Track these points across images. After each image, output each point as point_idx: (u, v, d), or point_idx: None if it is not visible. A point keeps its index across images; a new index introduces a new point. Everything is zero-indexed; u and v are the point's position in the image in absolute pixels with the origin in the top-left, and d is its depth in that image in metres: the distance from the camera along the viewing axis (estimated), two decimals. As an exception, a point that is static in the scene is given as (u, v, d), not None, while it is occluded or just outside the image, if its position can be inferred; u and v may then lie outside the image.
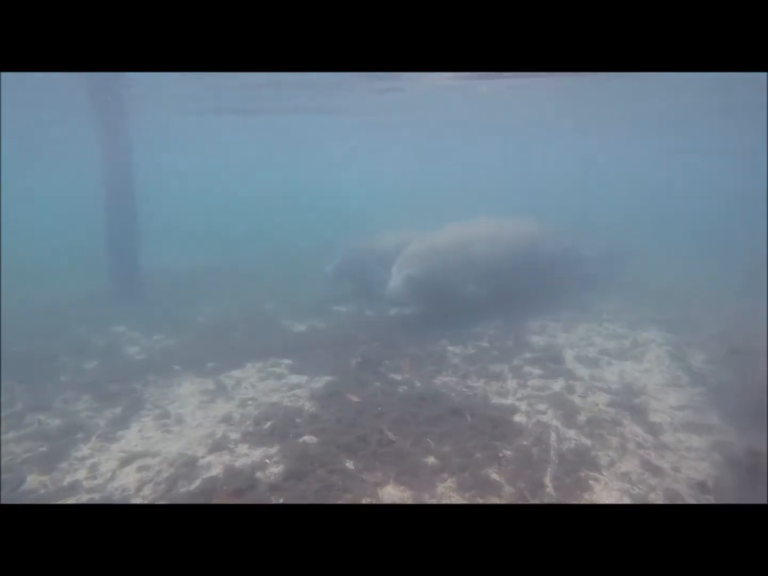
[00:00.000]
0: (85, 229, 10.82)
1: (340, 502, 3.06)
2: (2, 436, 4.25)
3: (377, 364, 5.43)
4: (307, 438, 3.79)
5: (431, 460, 3.54)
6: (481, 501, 3.09)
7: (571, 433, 3.93)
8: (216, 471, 3.42)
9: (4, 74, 7.76)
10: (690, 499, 3.08)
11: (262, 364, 5.56)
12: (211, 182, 34.71)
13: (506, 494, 3.15)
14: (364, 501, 3.08)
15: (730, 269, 9.63)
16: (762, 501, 2.78)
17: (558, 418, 4.17)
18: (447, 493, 3.17)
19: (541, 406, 4.40)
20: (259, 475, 3.34)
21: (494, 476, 3.33)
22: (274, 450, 3.66)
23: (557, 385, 4.87)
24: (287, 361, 5.62)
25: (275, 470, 3.38)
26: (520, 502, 3.07)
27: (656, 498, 3.10)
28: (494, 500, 3.10)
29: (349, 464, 3.46)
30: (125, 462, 3.62)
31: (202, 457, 3.62)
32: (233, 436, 3.92)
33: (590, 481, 3.26)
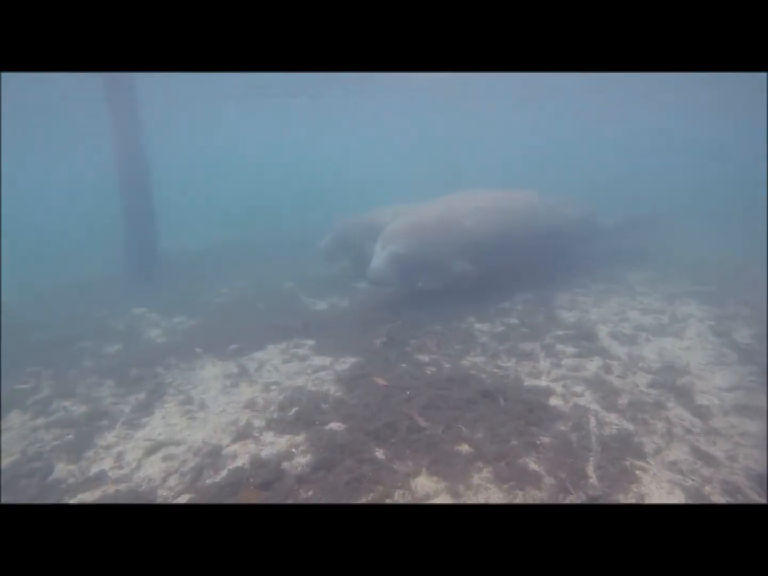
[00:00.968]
0: (103, 210, 10.77)
1: (370, 495, 2.93)
2: (31, 423, 4.25)
3: (402, 343, 5.25)
4: (334, 425, 3.66)
5: (465, 447, 3.37)
6: (520, 493, 2.92)
7: (612, 417, 3.70)
8: (242, 461, 3.31)
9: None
10: (751, 493, 2.86)
11: (285, 345, 5.43)
12: (225, 162, 34.55)
13: (546, 485, 2.97)
14: (397, 493, 2.94)
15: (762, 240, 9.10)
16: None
17: (596, 401, 3.95)
18: (483, 484, 3.01)
19: (578, 388, 4.17)
20: (285, 465, 3.22)
21: (533, 465, 3.15)
22: (300, 438, 3.54)
23: (593, 365, 4.62)
24: (310, 342, 5.49)
25: (302, 460, 3.26)
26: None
27: (712, 491, 2.88)
28: (534, 492, 2.92)
29: (379, 453, 3.32)
30: (150, 451, 3.55)
31: (227, 446, 3.53)
32: (258, 423, 3.81)
33: (637, 472, 3.05)
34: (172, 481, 3.21)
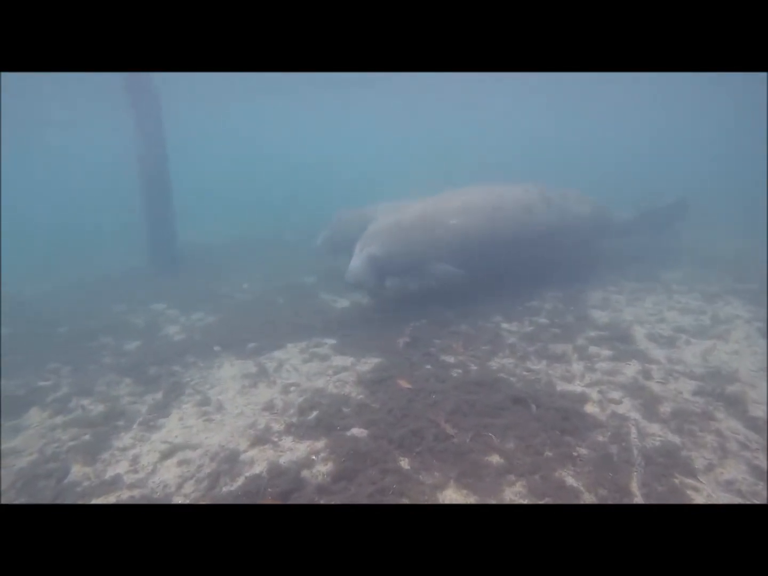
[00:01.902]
0: (125, 205, 10.82)
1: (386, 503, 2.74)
2: (50, 421, 4.20)
3: (427, 343, 5.04)
4: (356, 431, 3.47)
5: (495, 458, 3.15)
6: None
7: (655, 427, 3.43)
8: (259, 468, 3.16)
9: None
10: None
11: (305, 344, 5.28)
12: (243, 157, 34.74)
13: (586, 502, 2.73)
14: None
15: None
16: None
17: (636, 408, 3.67)
18: (516, 499, 2.79)
19: (615, 394, 3.90)
20: (305, 474, 3.05)
21: (570, 480, 2.91)
22: (320, 444, 3.36)
23: (630, 369, 4.33)
24: (331, 341, 5.32)
25: (323, 469, 3.09)
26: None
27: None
28: (573, 510, 2.69)
29: (404, 462, 3.12)
30: (166, 455, 3.43)
31: (245, 451, 3.38)
32: (276, 427, 3.65)
33: (688, 491, 2.78)
34: (188, 488, 3.08)
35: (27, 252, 13.41)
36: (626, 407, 3.70)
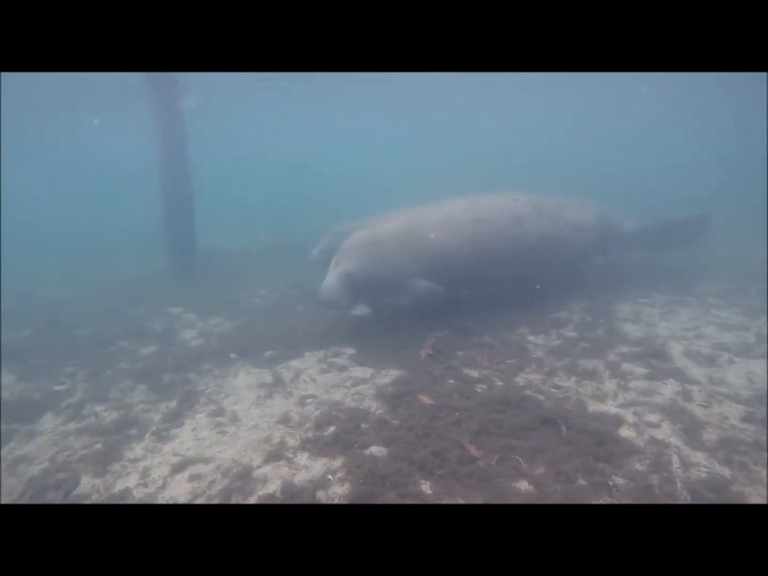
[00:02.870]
0: (145, 209, 10.90)
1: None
2: (63, 428, 4.13)
3: (449, 355, 4.83)
4: (375, 449, 3.29)
5: (523, 485, 2.93)
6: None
7: (700, 457, 3.15)
8: (273, 487, 3.00)
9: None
10: None
11: (323, 353, 5.12)
12: (261, 161, 35.10)
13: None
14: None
15: None
16: None
17: (677, 434, 3.40)
18: (548, 533, 2.56)
19: (653, 417, 3.63)
20: (320, 495, 2.88)
21: (607, 514, 2.67)
22: (337, 463, 3.19)
23: (668, 390, 4.04)
24: (350, 350, 5.16)
25: (339, 491, 2.91)
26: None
27: None
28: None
29: (425, 486, 2.92)
30: (177, 468, 3.30)
31: (258, 467, 3.22)
32: (291, 442, 3.49)
33: (741, 532, 2.51)
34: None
35: (52, 256, 13.66)
36: (665, 432, 3.42)
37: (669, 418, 3.61)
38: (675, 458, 3.10)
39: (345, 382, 4.42)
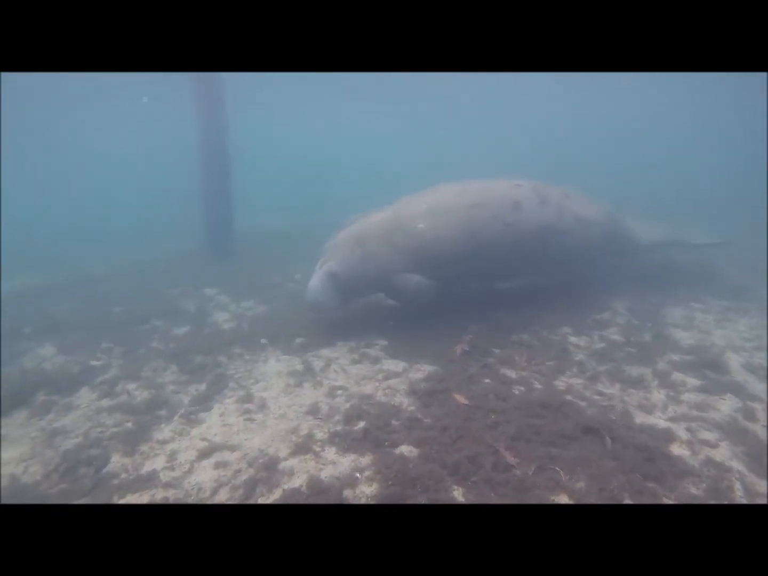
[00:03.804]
0: (184, 189, 11.03)
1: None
2: (97, 404, 4.18)
3: (485, 352, 4.62)
4: (406, 449, 3.15)
5: (563, 499, 2.72)
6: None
7: (765, 487, 2.85)
8: (299, 481, 2.90)
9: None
10: None
11: (355, 344, 5.00)
12: (301, 143, 35.21)
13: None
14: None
15: None
16: None
17: (739, 458, 3.10)
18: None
19: (709, 435, 3.33)
20: (347, 494, 2.77)
21: (657, 540, 2.44)
22: (366, 461, 3.06)
23: (726, 406, 3.72)
24: (382, 342, 5.01)
25: (367, 491, 2.79)
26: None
27: None
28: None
29: (458, 493, 2.76)
30: (204, 454, 3.26)
31: (284, 459, 3.14)
32: (319, 435, 3.39)
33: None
34: (223, 494, 2.87)
35: (92, 233, 14.11)
36: (725, 454, 3.13)
37: (728, 438, 3.31)
38: (738, 485, 2.83)
39: (377, 374, 4.28)
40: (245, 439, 3.40)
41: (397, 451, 3.13)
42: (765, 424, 3.45)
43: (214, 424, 3.64)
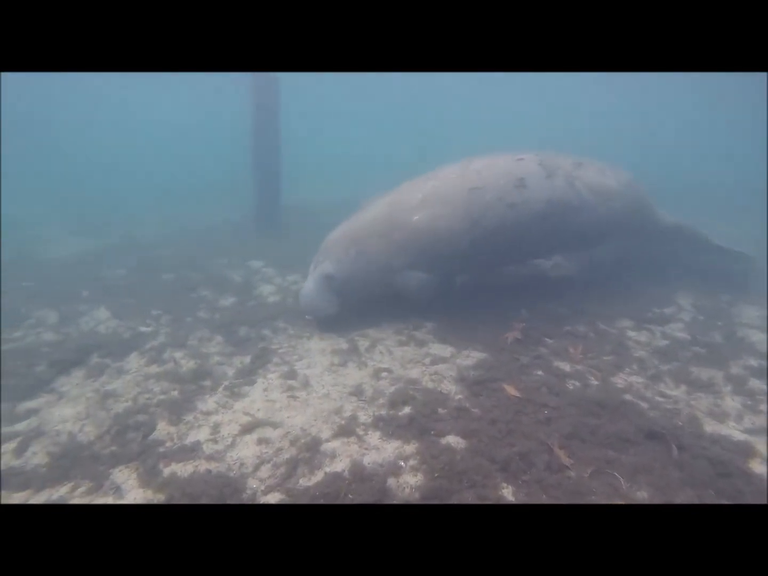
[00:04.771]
0: (237, 161, 11.10)
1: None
2: (146, 369, 4.26)
3: (537, 342, 4.38)
4: (452, 439, 3.00)
5: (624, 509, 2.51)
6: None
7: None
8: (341, 465, 2.82)
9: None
10: None
11: (402, 325, 4.85)
12: (346, 120, 35.00)
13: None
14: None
15: None
16: None
17: (829, 480, 2.77)
18: None
19: (793, 452, 3.00)
20: (391, 483, 2.66)
21: (733, 565, 2.20)
22: (410, 449, 2.94)
23: (813, 420, 3.35)
24: (430, 324, 4.84)
25: (411, 481, 2.67)
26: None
27: None
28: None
29: (507, 491, 2.60)
30: (247, 429, 3.23)
31: (327, 440, 3.06)
32: (363, 417, 3.30)
33: None
34: (264, 472, 2.83)
35: (145, 198, 14.51)
36: (813, 475, 2.80)
37: (817, 457, 2.96)
38: (824, 509, 2.51)
39: (423, 358, 4.13)
40: (287, 417, 3.35)
41: (444, 441, 2.99)
42: None
43: (258, 398, 3.61)
